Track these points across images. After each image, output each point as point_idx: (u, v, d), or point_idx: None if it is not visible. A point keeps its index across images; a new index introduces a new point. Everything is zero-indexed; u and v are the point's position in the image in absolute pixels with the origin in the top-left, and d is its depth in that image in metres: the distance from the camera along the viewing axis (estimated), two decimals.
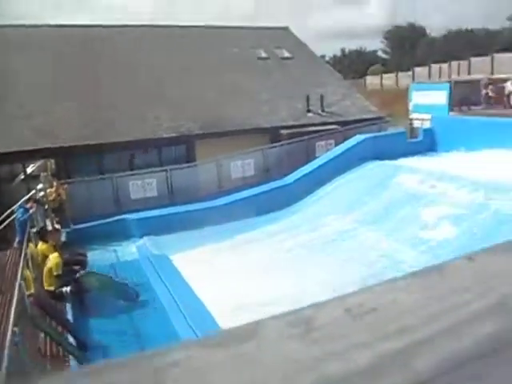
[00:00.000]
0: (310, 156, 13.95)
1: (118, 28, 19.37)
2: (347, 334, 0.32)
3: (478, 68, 25.11)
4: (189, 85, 16.62)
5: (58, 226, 10.37)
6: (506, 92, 13.18)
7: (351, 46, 70.01)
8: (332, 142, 14.72)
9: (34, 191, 10.48)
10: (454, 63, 28.95)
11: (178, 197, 12.43)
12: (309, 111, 16.86)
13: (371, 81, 35.78)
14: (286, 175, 12.44)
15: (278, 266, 8.31)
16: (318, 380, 0.27)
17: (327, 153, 13.43)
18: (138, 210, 11.08)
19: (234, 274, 7.90)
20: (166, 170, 12.77)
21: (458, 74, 26.40)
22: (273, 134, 15.47)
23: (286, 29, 23.29)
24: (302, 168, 12.53)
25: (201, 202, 11.39)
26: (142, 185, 12.37)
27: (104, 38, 17.98)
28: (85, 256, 8.34)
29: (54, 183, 10.74)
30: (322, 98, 17.05)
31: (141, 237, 10.30)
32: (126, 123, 14.44)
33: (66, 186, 11.09)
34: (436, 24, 66.72)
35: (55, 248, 7.76)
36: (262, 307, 6.03)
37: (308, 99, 16.83)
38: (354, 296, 0.37)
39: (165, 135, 14.48)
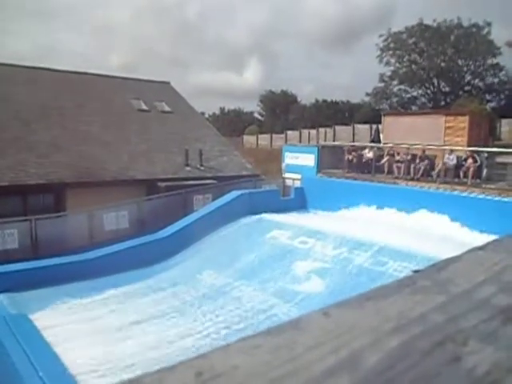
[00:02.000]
0: (187, 209, 13.93)
1: None
2: None
3: (342, 135, 27.93)
4: (61, 131, 15.86)
5: None
6: (365, 158, 14.76)
7: (230, 105, 73.24)
8: (209, 196, 14.93)
9: None
10: (322, 129, 31.81)
11: (43, 249, 11.42)
12: (187, 165, 17.03)
13: (248, 140, 37.53)
14: (162, 228, 12.20)
15: (147, 323, 7.99)
16: None
17: (204, 207, 13.57)
18: None
19: (101, 335, 7.41)
20: (29, 220, 11.73)
21: (325, 139, 29.01)
22: (150, 186, 15.24)
23: (167, 83, 23.68)
24: (178, 222, 12.43)
25: (69, 256, 10.60)
26: (1, 235, 11.17)
27: None
28: None
29: None
30: (200, 152, 17.40)
31: None
32: None
33: None
34: (307, 93, 73.41)
35: None
36: (125, 370, 5.75)
37: (187, 153, 17.04)
38: (206, 358, 0.35)
39: (31, 182, 13.45)
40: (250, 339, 0.38)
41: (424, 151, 13.49)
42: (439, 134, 15.06)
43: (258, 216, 12.51)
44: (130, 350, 6.90)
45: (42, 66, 19.72)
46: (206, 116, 42.71)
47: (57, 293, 9.06)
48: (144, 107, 19.98)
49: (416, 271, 0.62)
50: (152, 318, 8.28)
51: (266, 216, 12.49)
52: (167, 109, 20.74)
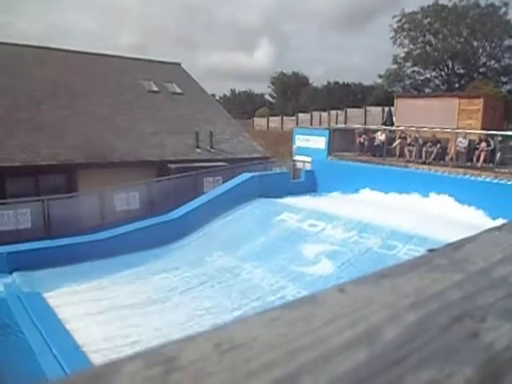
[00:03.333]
0: (197, 191, 13.99)
1: None
2: (213, 373, 0.30)
3: (353, 118, 27.68)
4: (72, 112, 15.90)
5: None
6: (377, 142, 14.64)
7: (241, 87, 72.88)
8: (219, 178, 14.97)
9: None
10: (333, 112, 31.53)
11: (55, 229, 11.58)
12: (198, 147, 17.04)
13: (258, 122, 37.35)
14: (172, 209, 12.28)
15: (158, 304, 8.10)
16: None
17: (214, 189, 13.61)
18: (8, 243, 10.07)
19: (113, 313, 7.53)
20: (42, 200, 11.86)
21: (337, 122, 28.79)
22: (160, 168, 15.30)
23: (178, 64, 23.56)
24: (188, 203, 12.49)
25: (81, 236, 10.73)
26: (15, 215, 11.33)
27: None
28: None
29: None
30: (211, 135, 17.37)
31: (10, 273, 9.35)
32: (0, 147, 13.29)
33: None
34: (319, 75, 72.74)
35: None
36: (136, 347, 5.82)
37: (197, 135, 17.04)
38: (225, 329, 0.36)
39: (43, 162, 13.56)
40: (267, 313, 0.38)
41: (436, 135, 13.33)
42: (453, 117, 14.86)
43: (268, 198, 12.52)
44: (141, 328, 7.01)
45: (50, 45, 19.71)
46: (217, 98, 42.47)
47: (69, 272, 9.20)
48: (154, 88, 19.93)
49: (431, 250, 0.62)
50: (162, 298, 8.38)
51: (276, 198, 12.50)
52: (178, 90, 20.67)
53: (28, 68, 17.15)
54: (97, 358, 5.85)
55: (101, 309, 7.66)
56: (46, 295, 8.27)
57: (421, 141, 13.45)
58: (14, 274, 9.27)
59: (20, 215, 11.41)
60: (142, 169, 14.93)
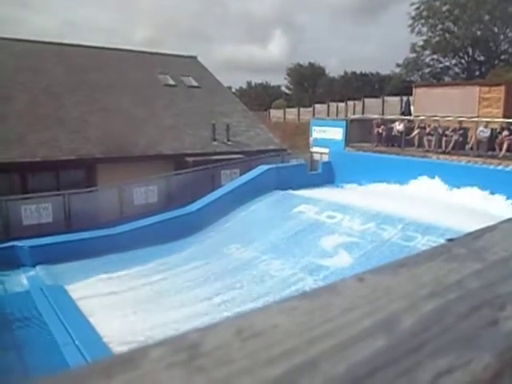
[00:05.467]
0: (215, 184, 14.05)
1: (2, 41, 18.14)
2: (235, 359, 0.31)
3: (371, 108, 27.37)
4: (90, 107, 16.07)
5: None
6: (394, 132, 14.47)
7: (257, 79, 72.62)
8: (237, 171, 14.99)
9: None
10: (350, 103, 31.22)
11: (76, 223, 11.77)
12: (214, 140, 17.08)
13: (275, 114, 37.21)
14: (190, 203, 12.36)
15: (177, 296, 8.19)
16: None
17: (231, 182, 13.64)
18: (30, 237, 10.28)
19: (134, 305, 7.65)
20: (63, 195, 12.06)
21: (354, 112, 28.51)
22: (177, 161, 15.39)
23: (194, 57, 23.58)
24: (206, 196, 12.55)
25: (101, 229, 10.89)
26: (37, 209, 11.55)
27: None
28: None
29: None
30: (227, 127, 17.39)
31: (33, 266, 9.55)
32: (21, 143, 13.52)
33: None
34: (334, 65, 72.06)
35: None
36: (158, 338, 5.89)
37: (214, 128, 17.06)
38: (246, 317, 0.37)
39: (63, 157, 13.76)
40: (287, 302, 0.39)
41: (456, 124, 13.11)
42: (473, 106, 14.59)
43: (285, 191, 12.51)
44: (161, 320, 7.10)
45: (69, 42, 19.91)
46: (233, 90, 42.43)
47: (90, 265, 9.36)
48: (171, 82, 20.00)
49: (450, 240, 0.61)
50: (181, 289, 8.47)
51: (293, 190, 12.47)
52: (194, 83, 20.70)
53: (47, 64, 17.38)
54: (119, 350, 5.95)
55: (121, 301, 7.79)
56: (68, 288, 8.43)
57: (440, 130, 13.25)
58: (38, 267, 9.47)
59: (42, 209, 11.62)
60: (160, 162, 15.03)
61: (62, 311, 7.33)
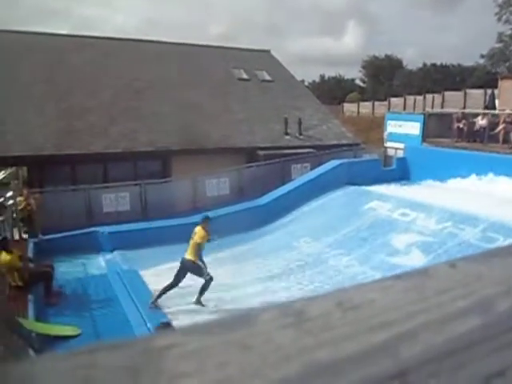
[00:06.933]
0: (285, 178, 14.06)
1: (90, 39, 19.28)
2: (338, 326, 0.34)
3: (451, 102, 25.99)
4: (167, 101, 16.64)
5: (25, 236, 10.12)
6: (477, 127, 13.64)
7: (330, 73, 71.52)
8: (307, 165, 14.89)
9: (2, 199, 10.21)
10: (429, 96, 29.83)
11: (151, 212, 12.30)
12: (286, 134, 17.06)
13: (348, 108, 36.49)
14: (260, 196, 12.46)
15: (247, 286, 8.29)
16: (309, 364, 0.29)
17: (302, 176, 13.56)
18: (109, 224, 10.89)
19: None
20: (140, 185, 12.63)
21: (432, 106, 27.21)
22: (249, 155, 15.56)
23: (267, 51, 23.67)
24: (277, 190, 12.59)
25: (174, 218, 11.27)
26: (116, 198, 12.20)
27: (77, 49, 17.81)
28: (51, 268, 8.11)
29: (25, 192, 10.49)
30: (300, 121, 17.30)
31: (111, 251, 10.11)
32: (104, 134, 14.33)
33: (37, 195, 10.84)
34: (411, 57, 69.16)
35: (21, 259, 7.55)
36: None
37: (286, 122, 17.05)
38: (345, 291, 0.38)
39: (141, 149, 14.40)
40: (381, 281, 0.41)
41: None
42: None
43: (357, 186, 12.23)
44: (232, 307, 7.21)
45: (148, 38, 20.79)
46: (306, 84, 42.11)
47: (163, 252, 9.69)
48: (244, 76, 20.23)
49: None
50: (252, 280, 8.57)
51: (365, 186, 12.16)
52: (267, 77, 20.79)
53: (127, 61, 18.21)
54: None
55: (190, 288, 7.99)
56: (142, 273, 8.83)
57: None
58: (115, 252, 10.00)
59: (120, 198, 12.26)
60: (232, 155, 15.27)
61: (136, 294, 7.69)
